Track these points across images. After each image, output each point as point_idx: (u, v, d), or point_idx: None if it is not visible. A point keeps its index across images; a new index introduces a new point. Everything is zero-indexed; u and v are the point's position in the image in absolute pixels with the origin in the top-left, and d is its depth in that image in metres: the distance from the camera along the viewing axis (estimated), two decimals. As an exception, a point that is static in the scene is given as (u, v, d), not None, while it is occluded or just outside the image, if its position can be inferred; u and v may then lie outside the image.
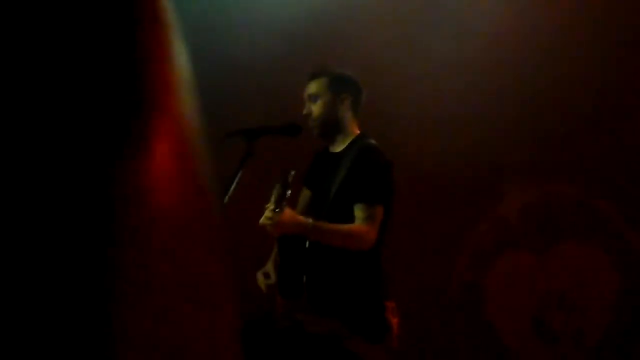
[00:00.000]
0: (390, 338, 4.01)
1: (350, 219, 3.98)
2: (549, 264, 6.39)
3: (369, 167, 4.05)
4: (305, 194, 4.37)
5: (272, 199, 3.89)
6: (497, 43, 6.34)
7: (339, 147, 4.18)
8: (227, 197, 3.59)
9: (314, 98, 4.16)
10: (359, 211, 3.98)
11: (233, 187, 3.63)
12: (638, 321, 6.23)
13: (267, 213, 3.85)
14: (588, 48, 6.27)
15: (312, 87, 4.19)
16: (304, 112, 4.17)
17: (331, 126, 4.17)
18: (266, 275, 4.11)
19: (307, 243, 3.97)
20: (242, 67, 6.30)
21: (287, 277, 3.96)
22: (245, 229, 4.45)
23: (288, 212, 3.85)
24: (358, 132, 4.21)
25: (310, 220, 3.90)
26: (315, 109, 4.15)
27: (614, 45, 6.22)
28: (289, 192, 3.83)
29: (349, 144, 4.16)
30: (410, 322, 4.36)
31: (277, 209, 3.82)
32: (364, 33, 6.39)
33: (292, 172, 3.89)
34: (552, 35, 6.30)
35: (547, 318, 6.36)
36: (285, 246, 3.98)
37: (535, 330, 6.37)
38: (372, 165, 4.06)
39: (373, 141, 4.16)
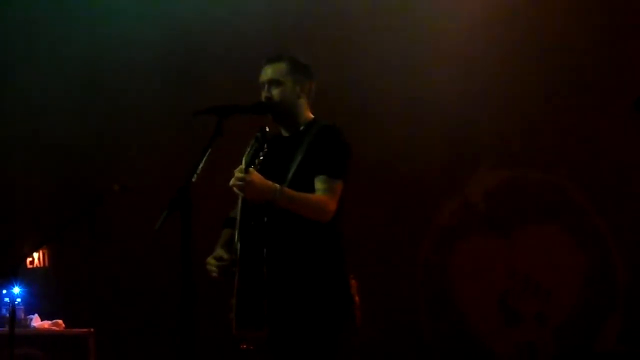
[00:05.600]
0: (354, 315, 3.98)
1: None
2: (514, 247, 6.42)
3: (332, 143, 4.07)
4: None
5: (244, 160, 3.88)
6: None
7: (294, 131, 4.19)
8: (195, 175, 3.53)
9: (275, 83, 4.16)
10: (320, 183, 3.99)
11: (201, 165, 3.58)
12: (601, 303, 6.28)
13: (237, 174, 3.84)
14: (564, 40, 6.34)
15: (272, 72, 4.18)
16: (264, 95, 4.15)
17: (290, 110, 4.16)
18: (219, 259, 4.03)
19: (266, 218, 3.96)
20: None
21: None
22: (212, 208, 4.42)
23: (257, 175, 3.85)
24: (312, 116, 4.24)
25: (278, 185, 3.91)
26: (276, 93, 4.14)
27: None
28: (265, 150, 3.83)
29: (306, 126, 4.17)
30: (375, 303, 4.33)
31: (249, 167, 3.80)
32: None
33: (267, 129, 3.86)
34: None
35: (512, 300, 6.39)
36: (245, 220, 3.95)
37: (500, 312, 6.40)
38: (335, 141, 4.09)
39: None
